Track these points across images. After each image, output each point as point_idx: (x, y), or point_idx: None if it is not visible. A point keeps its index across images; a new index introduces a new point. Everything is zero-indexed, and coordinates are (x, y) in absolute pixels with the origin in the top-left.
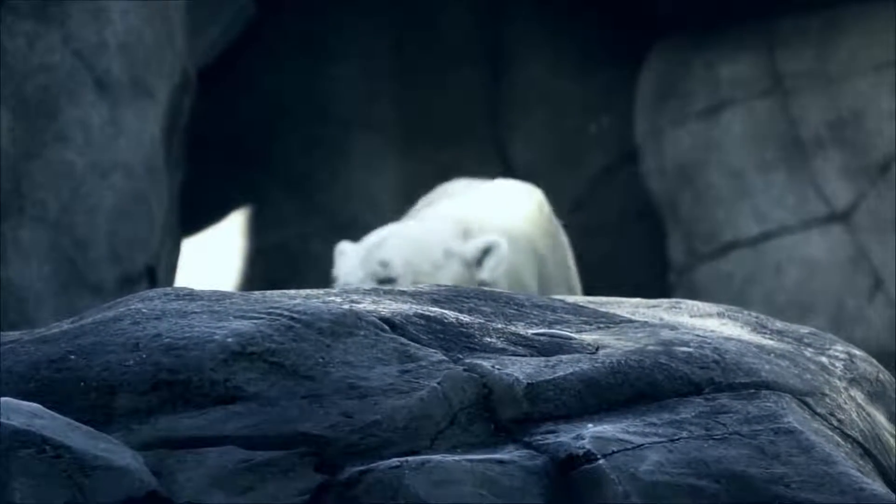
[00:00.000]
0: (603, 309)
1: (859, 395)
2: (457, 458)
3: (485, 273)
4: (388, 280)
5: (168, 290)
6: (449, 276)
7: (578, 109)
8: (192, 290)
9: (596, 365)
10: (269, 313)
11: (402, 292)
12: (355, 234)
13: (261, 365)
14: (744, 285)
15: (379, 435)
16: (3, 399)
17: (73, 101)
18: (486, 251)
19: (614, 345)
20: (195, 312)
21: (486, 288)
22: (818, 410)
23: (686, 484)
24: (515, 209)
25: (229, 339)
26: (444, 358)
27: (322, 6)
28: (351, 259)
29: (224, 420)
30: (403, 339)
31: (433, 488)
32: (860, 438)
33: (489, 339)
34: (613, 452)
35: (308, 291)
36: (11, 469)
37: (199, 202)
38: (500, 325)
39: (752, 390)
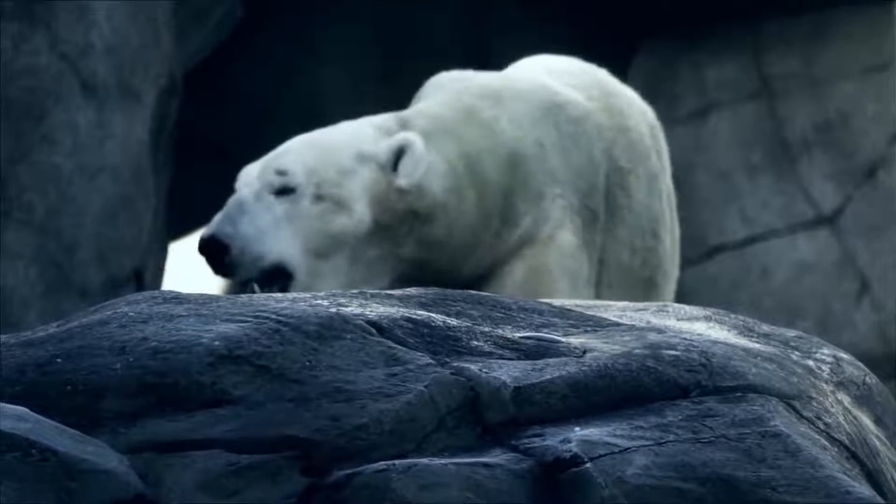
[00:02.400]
0: (590, 312)
1: (846, 399)
2: (444, 461)
3: (401, 179)
4: (286, 190)
5: (155, 293)
6: (361, 183)
7: None
8: (178, 293)
9: (583, 368)
10: (256, 317)
11: (390, 295)
12: None
13: (247, 368)
14: (731, 288)
15: (366, 438)
16: None
17: (59, 104)
18: (399, 152)
19: (601, 348)
20: (182, 316)
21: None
22: (805, 414)
23: (673, 487)
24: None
25: (216, 343)
26: (431, 361)
27: (309, 8)
28: (249, 172)
29: (211, 423)
30: (390, 343)
31: (420, 492)
32: (847, 442)
33: (476, 343)
34: (600, 456)
35: (295, 295)
36: None
37: (187, 205)
38: (487, 329)
39: (739, 394)
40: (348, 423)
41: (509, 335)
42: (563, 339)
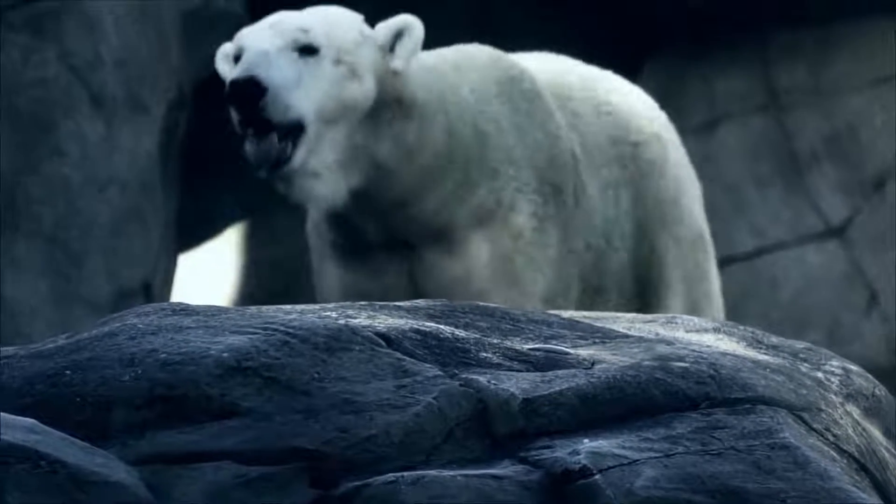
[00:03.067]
0: (599, 324)
1: (855, 411)
2: (452, 473)
3: (397, 60)
4: (310, 49)
5: (164, 305)
6: (365, 59)
7: None
8: (187, 305)
9: (592, 380)
10: (265, 328)
11: (398, 307)
12: None
13: (256, 380)
14: (739, 300)
15: (374, 450)
16: None
17: (68, 117)
18: (399, 34)
19: (610, 360)
20: (191, 328)
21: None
22: (814, 426)
23: (682, 499)
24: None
25: (225, 355)
26: (439, 373)
27: None
28: (261, 29)
29: (220, 435)
30: (399, 354)
31: (429, 503)
32: (856, 454)
33: (485, 355)
34: (609, 467)
35: (304, 306)
36: (7, 484)
37: (195, 217)
38: (495, 341)
39: (748, 405)
40: (357, 435)
41: (518, 347)
42: (572, 351)
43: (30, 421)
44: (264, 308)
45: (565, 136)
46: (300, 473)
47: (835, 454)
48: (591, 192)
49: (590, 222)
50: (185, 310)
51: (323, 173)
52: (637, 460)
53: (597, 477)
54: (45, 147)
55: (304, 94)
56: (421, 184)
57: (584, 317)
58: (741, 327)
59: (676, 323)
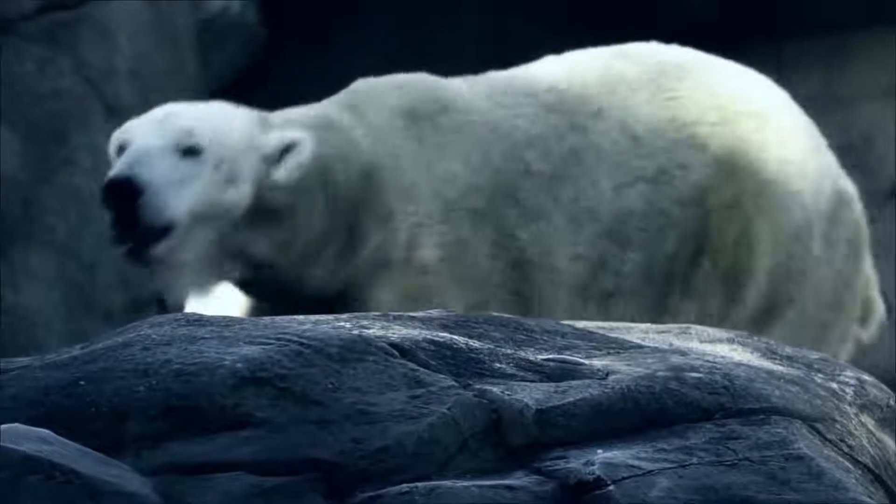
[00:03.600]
0: (613, 334)
1: (870, 421)
2: (466, 483)
3: (281, 172)
4: (193, 151)
5: (178, 315)
6: (247, 166)
7: None
8: (201, 315)
9: (606, 391)
10: (279, 339)
11: (412, 318)
12: None
13: (270, 391)
14: None
15: (388, 461)
16: (13, 425)
17: (82, 127)
18: (287, 149)
19: (624, 370)
20: (205, 338)
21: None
22: (828, 436)
23: None
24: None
25: (239, 365)
26: (453, 383)
27: (330, 29)
28: (148, 123)
29: (233, 446)
30: (413, 365)
31: None
32: (871, 464)
33: (499, 365)
34: (623, 478)
35: (317, 317)
36: (21, 495)
37: None
38: (509, 351)
39: (762, 416)
40: (371, 446)
41: (532, 357)
42: (586, 362)
43: (44, 431)
44: (278, 318)
45: (504, 160)
46: (314, 484)
47: (849, 465)
48: (592, 196)
49: (580, 231)
50: (199, 320)
51: (185, 269)
52: (651, 471)
53: (611, 488)
54: (59, 158)
55: (180, 196)
56: (303, 263)
57: (598, 327)
58: (755, 338)
59: (690, 333)
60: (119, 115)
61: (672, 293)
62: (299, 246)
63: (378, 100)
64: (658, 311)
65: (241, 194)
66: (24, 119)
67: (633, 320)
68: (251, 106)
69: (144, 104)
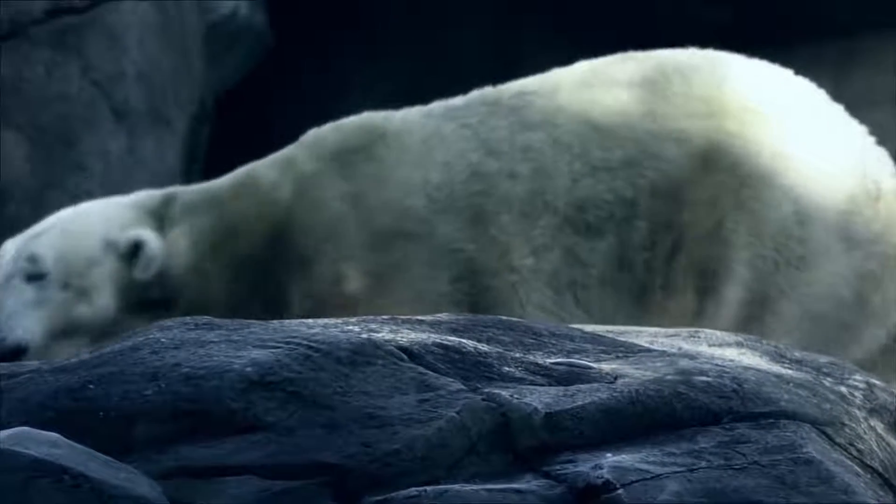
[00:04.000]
0: (621, 338)
1: (879, 425)
2: (475, 487)
3: (137, 272)
4: (37, 276)
5: (187, 319)
6: (106, 273)
7: None
8: (210, 319)
9: (614, 394)
10: (288, 343)
11: (421, 321)
12: None
13: (279, 394)
14: None
15: (397, 464)
16: (23, 429)
17: (91, 131)
18: (135, 248)
19: (633, 374)
20: (214, 342)
21: (504, 318)
22: (837, 440)
23: None
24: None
25: (248, 369)
26: (462, 387)
27: (338, 35)
28: (6, 252)
29: (243, 449)
30: (422, 369)
31: None
32: (880, 468)
33: (507, 369)
34: (632, 482)
35: (326, 320)
36: (30, 498)
37: None
38: (518, 355)
39: (771, 420)
40: (380, 449)
41: (540, 361)
42: (595, 366)
43: (53, 435)
44: (287, 322)
45: (445, 172)
46: (323, 488)
47: (858, 469)
48: (547, 189)
49: (534, 225)
50: (209, 324)
51: None
52: (660, 475)
53: (620, 491)
54: (67, 161)
55: (25, 321)
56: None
57: (607, 331)
58: (764, 341)
59: (699, 337)
60: (127, 118)
61: (651, 288)
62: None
63: (314, 147)
64: (638, 306)
65: (98, 305)
66: (32, 123)
67: (613, 315)
68: (259, 111)
69: (152, 108)
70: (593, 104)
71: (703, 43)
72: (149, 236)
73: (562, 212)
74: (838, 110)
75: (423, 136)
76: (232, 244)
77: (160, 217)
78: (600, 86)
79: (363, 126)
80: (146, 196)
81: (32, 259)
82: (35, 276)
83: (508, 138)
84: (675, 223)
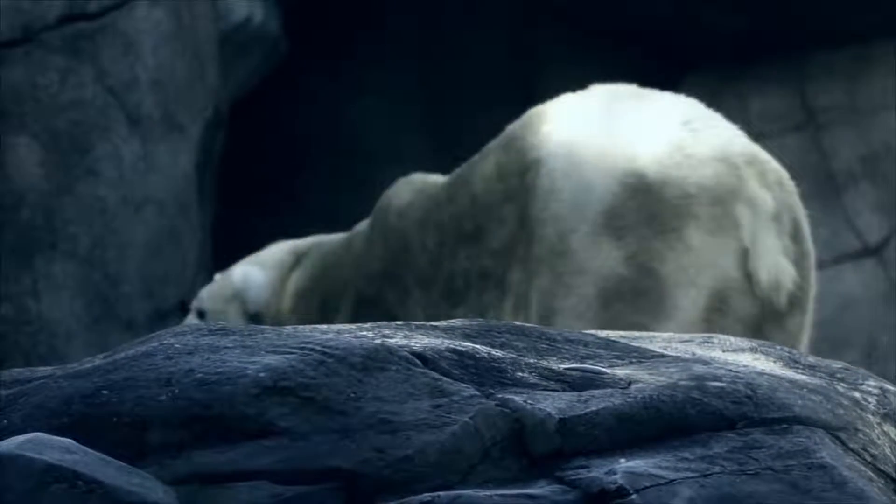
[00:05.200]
0: (635, 343)
1: (892, 431)
2: (489, 492)
3: (249, 306)
4: (201, 314)
5: (200, 325)
6: (234, 309)
7: None
8: (224, 324)
9: (628, 400)
10: (301, 348)
11: (434, 327)
12: None
13: (293, 400)
14: None
15: (411, 470)
16: (36, 434)
17: (104, 137)
18: (244, 286)
19: (646, 380)
20: (227, 347)
21: (518, 323)
22: (851, 445)
23: None
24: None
25: (261, 374)
26: (476, 393)
27: (352, 42)
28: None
29: (256, 455)
30: (435, 374)
31: None
32: (893, 474)
33: (521, 374)
34: (646, 487)
35: (340, 326)
36: None
37: (231, 237)
38: (532, 360)
39: (785, 425)
40: (393, 455)
41: (554, 367)
42: (609, 371)
43: (67, 441)
44: (300, 327)
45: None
46: (336, 493)
47: (872, 474)
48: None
49: (428, 297)
50: (222, 329)
51: None
52: (674, 480)
53: (633, 497)
54: (81, 168)
55: None
56: None
57: (621, 336)
58: (777, 347)
59: (713, 342)
60: (140, 124)
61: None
62: None
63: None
64: None
65: None
66: (46, 129)
67: None
68: (272, 117)
69: (166, 114)
70: (477, 175)
71: (718, 50)
72: (252, 275)
73: (440, 284)
74: (614, 106)
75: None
76: (319, 292)
77: (299, 260)
78: (494, 154)
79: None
80: (310, 240)
81: (200, 299)
82: (200, 314)
83: (435, 214)
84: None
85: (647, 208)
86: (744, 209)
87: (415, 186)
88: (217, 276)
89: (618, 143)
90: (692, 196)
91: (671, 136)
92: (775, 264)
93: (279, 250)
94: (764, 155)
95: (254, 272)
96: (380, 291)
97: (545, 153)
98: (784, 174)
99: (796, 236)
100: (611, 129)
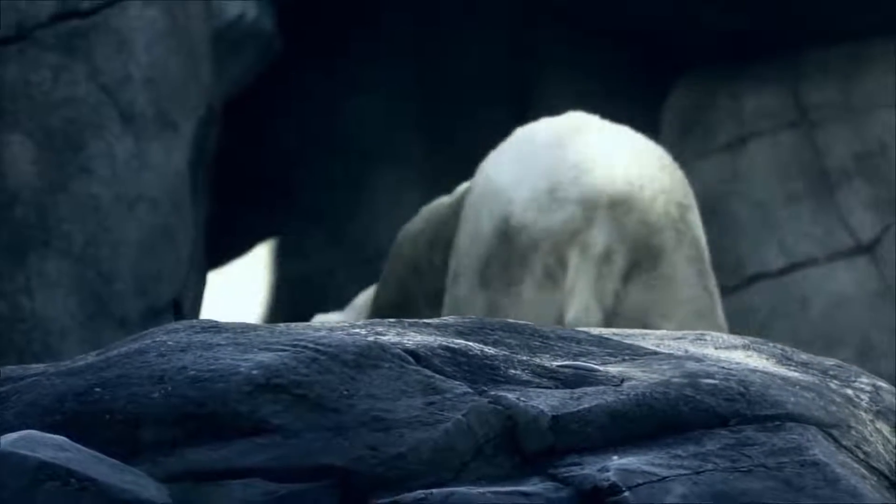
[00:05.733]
0: (628, 341)
1: (885, 428)
2: (481, 490)
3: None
4: None
5: (193, 322)
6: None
7: None
8: (217, 322)
9: (621, 397)
10: (294, 345)
11: (427, 324)
12: (378, 267)
13: (285, 397)
14: (769, 318)
15: (404, 467)
16: (29, 432)
17: (98, 135)
18: None
19: (639, 377)
20: (220, 345)
21: (510, 320)
22: (844, 443)
23: None
24: None
25: (254, 372)
26: (468, 390)
27: (347, 40)
28: None
29: (249, 452)
30: (428, 372)
31: None
32: (886, 471)
33: (514, 372)
34: (638, 485)
35: (332, 324)
36: (37, 501)
37: (225, 235)
38: (524, 358)
39: (778, 422)
40: (386, 452)
41: (547, 364)
42: (601, 368)
43: (60, 438)
44: (293, 325)
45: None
46: (329, 491)
47: (865, 471)
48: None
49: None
50: (215, 327)
51: None
52: (666, 477)
53: (626, 494)
54: (74, 165)
55: None
56: None
57: (614, 333)
58: (770, 344)
59: (706, 340)
60: (134, 122)
61: None
62: None
63: None
64: None
65: None
66: (39, 127)
67: None
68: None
69: (159, 112)
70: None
71: (713, 48)
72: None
73: None
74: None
75: None
76: None
77: None
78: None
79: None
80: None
81: None
82: None
83: None
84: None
85: (506, 255)
86: (574, 252)
87: (428, 211)
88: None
89: (501, 189)
90: (536, 242)
91: (546, 181)
92: (584, 307)
93: (364, 295)
94: (645, 195)
95: (333, 317)
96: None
97: (469, 195)
98: (656, 212)
99: (640, 270)
100: (506, 174)
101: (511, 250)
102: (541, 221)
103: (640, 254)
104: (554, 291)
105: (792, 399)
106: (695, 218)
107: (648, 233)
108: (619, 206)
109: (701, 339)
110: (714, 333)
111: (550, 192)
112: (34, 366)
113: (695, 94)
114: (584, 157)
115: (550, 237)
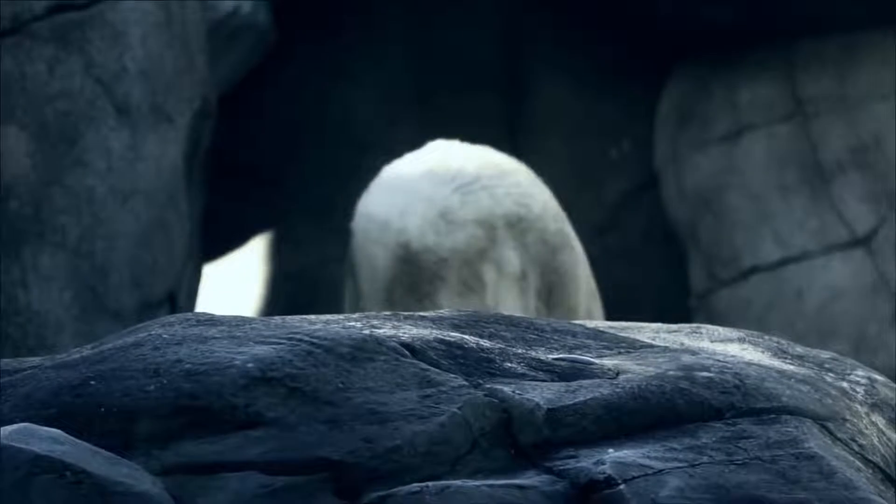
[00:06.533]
0: (623, 334)
1: (880, 421)
2: (477, 483)
3: None
4: None
5: (188, 315)
6: None
7: (599, 134)
8: (212, 315)
9: (616, 390)
10: (290, 338)
11: (423, 317)
12: None
13: (281, 390)
14: (764, 310)
15: (399, 460)
16: (24, 425)
17: (93, 127)
18: None
19: (635, 370)
20: (215, 338)
21: (506, 314)
22: (839, 435)
23: None
24: None
25: (249, 365)
26: (464, 383)
27: (342, 32)
28: None
29: (244, 445)
30: (423, 365)
31: None
32: (881, 464)
33: (509, 365)
34: (634, 478)
35: (328, 317)
36: (32, 495)
37: (220, 228)
38: (520, 351)
39: (773, 415)
40: (382, 445)
41: (542, 357)
42: (597, 361)
43: (55, 431)
44: (289, 318)
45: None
46: (324, 483)
47: (860, 464)
48: None
49: None
50: (210, 320)
51: None
52: (662, 470)
53: (621, 487)
54: (69, 158)
55: None
56: None
57: (609, 326)
58: (766, 337)
59: (701, 333)
60: (129, 114)
61: None
62: None
63: None
64: None
65: None
66: (34, 119)
67: None
68: (260, 106)
69: (154, 104)
70: None
71: (705, 39)
72: None
73: None
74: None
75: None
76: None
77: None
78: None
79: None
80: None
81: None
82: None
83: None
84: None
85: (410, 277)
86: (490, 269)
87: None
88: None
89: (387, 222)
90: (445, 260)
91: (434, 208)
92: None
93: None
94: (534, 213)
95: None
96: None
97: (353, 243)
98: (550, 231)
99: (551, 292)
100: (387, 208)
101: (418, 271)
102: (444, 242)
103: (548, 276)
104: (473, 298)
105: (787, 392)
106: (570, 228)
107: (549, 251)
108: (515, 226)
109: (696, 332)
110: (709, 326)
111: (443, 216)
112: (29, 359)
113: (690, 86)
114: (463, 181)
115: (458, 255)
